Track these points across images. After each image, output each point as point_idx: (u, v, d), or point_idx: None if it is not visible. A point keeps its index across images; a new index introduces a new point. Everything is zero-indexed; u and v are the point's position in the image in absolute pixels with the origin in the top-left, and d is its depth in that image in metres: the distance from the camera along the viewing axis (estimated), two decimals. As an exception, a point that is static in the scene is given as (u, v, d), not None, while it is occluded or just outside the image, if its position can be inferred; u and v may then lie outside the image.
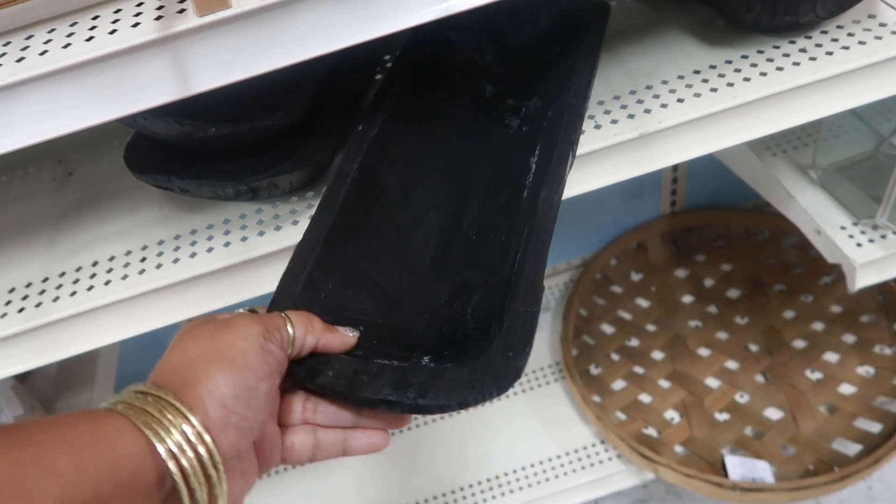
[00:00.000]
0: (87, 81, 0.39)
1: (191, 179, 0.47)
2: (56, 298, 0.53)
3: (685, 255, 1.11)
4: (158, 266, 0.53)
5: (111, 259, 0.54)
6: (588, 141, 0.52)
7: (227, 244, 0.53)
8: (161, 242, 0.54)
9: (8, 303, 0.54)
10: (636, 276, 1.11)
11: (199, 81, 0.39)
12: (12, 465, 0.27)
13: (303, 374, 0.38)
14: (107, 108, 0.40)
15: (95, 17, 0.41)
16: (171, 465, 0.30)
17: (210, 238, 0.53)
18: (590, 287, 1.10)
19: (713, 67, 0.55)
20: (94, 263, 0.55)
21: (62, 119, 0.40)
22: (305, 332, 0.38)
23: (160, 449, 0.30)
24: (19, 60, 0.38)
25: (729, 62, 0.55)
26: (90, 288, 0.53)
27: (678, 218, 1.13)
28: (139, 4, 0.41)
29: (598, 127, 0.53)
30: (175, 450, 0.30)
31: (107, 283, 0.53)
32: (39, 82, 0.38)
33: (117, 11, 0.41)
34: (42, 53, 0.38)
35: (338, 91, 0.52)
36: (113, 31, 0.39)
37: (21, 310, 0.53)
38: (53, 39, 0.39)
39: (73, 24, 0.40)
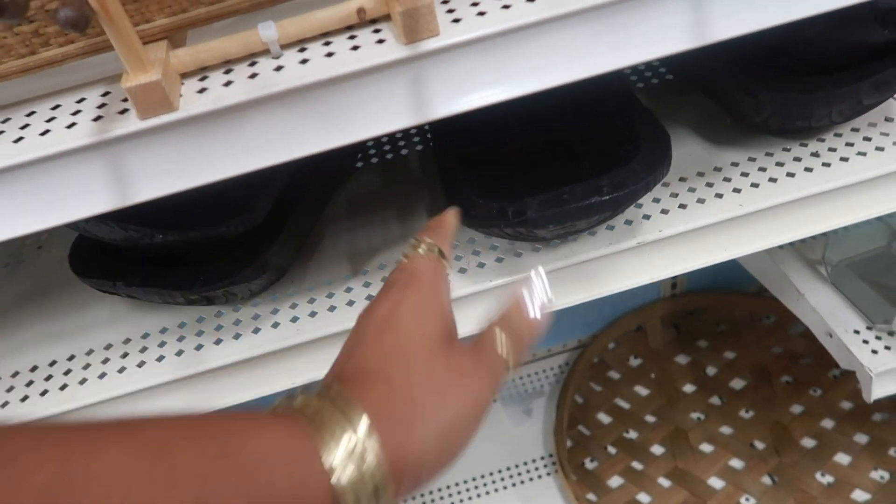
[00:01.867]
0: (14, 188, 0.35)
1: (138, 287, 0.42)
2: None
3: (687, 340, 1.06)
4: (101, 375, 0.47)
5: (52, 364, 0.49)
6: (582, 249, 0.47)
7: (179, 352, 0.47)
8: (108, 347, 0.49)
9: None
10: (635, 362, 1.05)
11: (139, 191, 0.35)
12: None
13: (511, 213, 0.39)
14: (34, 218, 0.35)
15: (30, 114, 0.36)
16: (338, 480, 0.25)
17: (162, 344, 0.48)
18: (586, 372, 1.04)
19: (718, 170, 0.51)
20: (33, 368, 0.49)
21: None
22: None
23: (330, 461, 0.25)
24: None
25: (735, 164, 0.51)
26: (24, 398, 0.47)
27: (680, 301, 1.08)
28: (79, 101, 0.36)
29: (592, 234, 0.48)
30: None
31: (43, 392, 0.47)
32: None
33: (55, 108, 0.36)
34: (-37, 156, 0.34)
35: (305, 190, 0.47)
36: (45, 132, 0.35)
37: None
38: (-22, 139, 0.35)
39: (3, 121, 0.36)
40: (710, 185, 0.50)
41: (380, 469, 0.26)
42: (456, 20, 0.35)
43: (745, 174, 0.50)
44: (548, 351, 1.09)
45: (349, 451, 0.26)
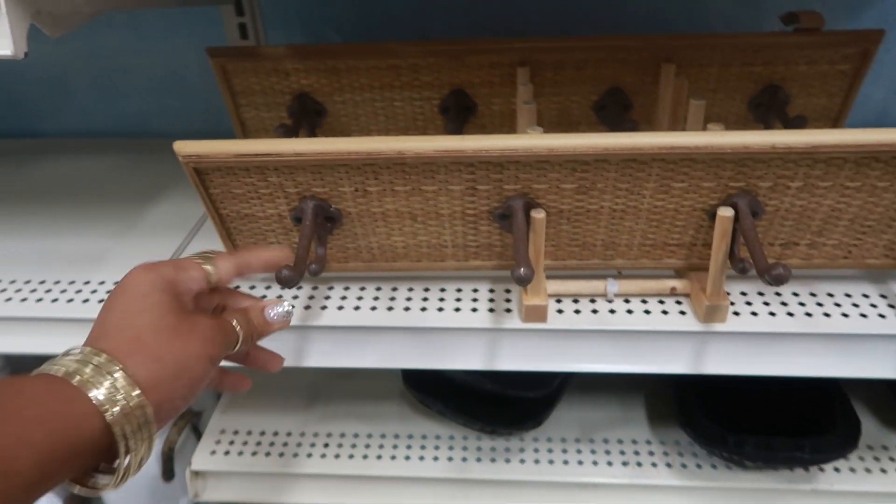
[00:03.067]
0: (428, 341, 0.55)
1: (453, 410, 0.61)
2: (307, 454, 0.67)
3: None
4: (393, 458, 0.66)
5: (355, 436, 0.69)
6: (764, 478, 0.62)
7: (450, 458, 0.66)
8: (396, 436, 0.68)
9: (258, 443, 0.69)
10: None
11: (501, 363, 0.54)
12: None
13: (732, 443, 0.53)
14: (431, 360, 0.55)
15: (443, 290, 0.57)
16: (109, 416, 0.32)
17: (437, 448, 0.67)
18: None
19: (885, 448, 0.64)
20: (329, 434, 0.69)
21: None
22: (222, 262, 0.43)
23: (100, 403, 0.32)
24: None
25: (901, 448, 0.64)
26: (322, 455, 0.67)
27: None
28: (475, 290, 0.57)
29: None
30: (110, 404, 0.32)
31: (336, 455, 0.66)
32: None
33: (458, 290, 0.57)
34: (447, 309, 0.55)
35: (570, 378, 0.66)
36: (457, 310, 0.55)
37: (267, 454, 0.68)
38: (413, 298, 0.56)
39: (440, 292, 0.57)
40: (876, 459, 0.63)
41: (141, 401, 0.33)
42: (736, 313, 0.53)
43: (907, 459, 0.63)
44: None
45: (112, 390, 0.32)
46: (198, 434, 0.77)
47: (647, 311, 0.53)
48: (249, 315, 0.43)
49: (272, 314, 0.44)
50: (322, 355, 0.54)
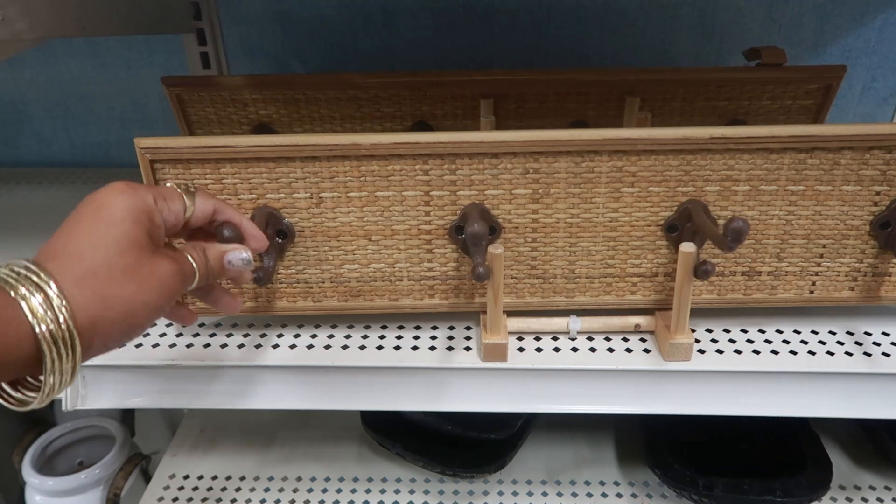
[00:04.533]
0: (389, 380, 0.52)
1: (412, 452, 0.58)
2: (260, 500, 0.64)
3: None
4: (351, 502, 0.63)
5: (312, 480, 0.66)
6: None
7: (410, 503, 0.63)
8: (355, 479, 0.65)
9: (209, 489, 0.66)
10: None
11: (452, 404, 0.52)
12: None
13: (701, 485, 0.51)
14: (383, 401, 0.53)
15: (401, 327, 0.55)
16: (38, 331, 0.31)
17: (397, 492, 0.64)
18: None
19: (858, 488, 0.63)
20: (298, 479, 0.66)
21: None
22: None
23: (32, 315, 0.31)
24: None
25: (873, 488, 0.63)
26: (292, 501, 0.63)
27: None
28: (434, 328, 0.55)
29: (746, 511, 0.61)
30: (41, 321, 0.31)
31: (299, 501, 0.63)
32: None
33: (417, 328, 0.55)
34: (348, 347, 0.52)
35: (533, 419, 0.63)
36: (415, 348, 0.53)
37: (218, 500, 0.65)
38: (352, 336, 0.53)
39: (397, 329, 0.55)
40: (849, 500, 0.62)
41: (72, 331, 0.32)
42: (701, 351, 0.51)
43: (880, 500, 0.61)
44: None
45: (45, 306, 0.31)
46: (147, 478, 0.74)
47: (610, 350, 0.52)
48: (208, 255, 0.41)
49: (232, 259, 0.42)
50: (271, 396, 0.52)
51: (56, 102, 0.91)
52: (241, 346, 0.52)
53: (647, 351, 0.52)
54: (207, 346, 0.52)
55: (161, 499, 0.65)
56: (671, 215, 0.49)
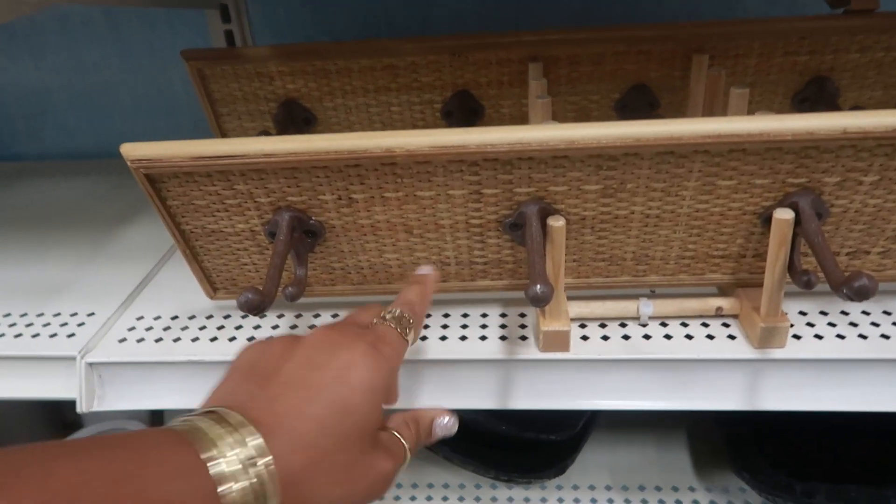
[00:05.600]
0: (433, 375, 0.46)
1: (462, 455, 0.52)
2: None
3: None
4: (394, 511, 0.57)
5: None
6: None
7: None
8: (399, 486, 0.59)
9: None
10: None
11: (516, 402, 0.46)
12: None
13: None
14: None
15: (446, 315, 0.49)
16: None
17: (445, 499, 0.58)
18: None
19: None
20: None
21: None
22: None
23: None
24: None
25: None
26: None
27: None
28: (483, 315, 0.48)
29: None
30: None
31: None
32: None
33: (464, 315, 0.49)
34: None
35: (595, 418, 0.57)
36: (463, 338, 0.47)
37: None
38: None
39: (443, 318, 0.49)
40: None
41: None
42: (796, 336, 0.44)
43: None
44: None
45: (245, 491, 0.26)
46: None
47: (688, 336, 0.45)
48: (419, 426, 0.36)
49: (440, 425, 0.37)
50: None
51: (79, 93, 0.87)
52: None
53: (731, 337, 0.45)
54: (233, 339, 0.47)
55: None
56: (772, 205, 0.41)
